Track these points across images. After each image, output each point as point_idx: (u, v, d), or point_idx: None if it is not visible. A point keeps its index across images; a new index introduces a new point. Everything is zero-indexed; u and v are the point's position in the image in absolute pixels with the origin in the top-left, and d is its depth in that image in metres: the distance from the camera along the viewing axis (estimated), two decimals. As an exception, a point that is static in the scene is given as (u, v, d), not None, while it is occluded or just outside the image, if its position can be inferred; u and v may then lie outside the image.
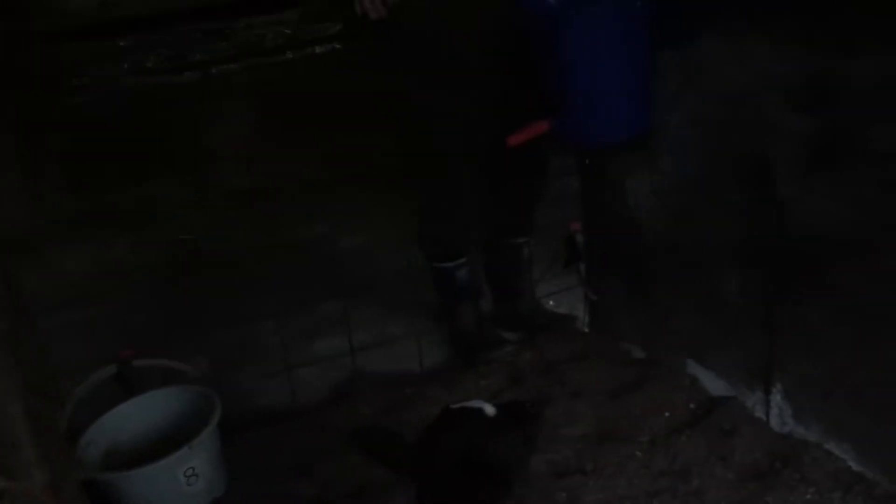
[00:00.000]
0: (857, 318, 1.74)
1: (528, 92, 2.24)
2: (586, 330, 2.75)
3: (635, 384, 2.32)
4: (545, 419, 1.80)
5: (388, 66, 2.31)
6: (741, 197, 2.01)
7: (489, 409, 1.64)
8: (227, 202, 2.96)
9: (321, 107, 3.18)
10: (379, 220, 2.86)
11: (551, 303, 2.83)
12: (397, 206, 2.60)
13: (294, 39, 4.95)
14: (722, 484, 1.90)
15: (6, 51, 2.62)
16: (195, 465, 1.99)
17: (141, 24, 3.31)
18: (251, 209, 2.90)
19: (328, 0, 5.24)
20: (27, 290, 1.56)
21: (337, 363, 2.59)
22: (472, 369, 2.49)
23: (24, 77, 2.83)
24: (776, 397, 2.03)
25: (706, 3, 1.99)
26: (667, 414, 2.18)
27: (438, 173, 2.39)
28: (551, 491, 1.94)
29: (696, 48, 2.06)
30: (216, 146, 3.05)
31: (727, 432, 2.06)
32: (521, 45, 2.18)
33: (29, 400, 1.16)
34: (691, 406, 2.20)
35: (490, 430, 1.62)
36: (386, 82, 2.42)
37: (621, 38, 2.07)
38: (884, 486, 1.79)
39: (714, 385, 2.24)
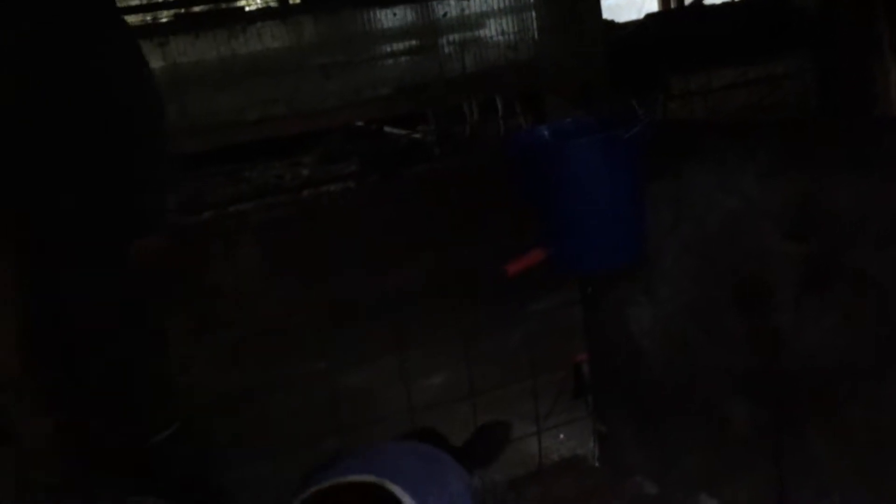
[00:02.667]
0: (861, 449, 1.66)
1: None
2: (596, 464, 2.64)
3: (647, 523, 2.21)
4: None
5: None
6: (739, 325, 1.97)
7: None
8: (229, 338, 2.95)
9: (332, 243, 3.21)
10: (384, 356, 2.82)
11: (561, 436, 2.74)
12: (398, 342, 2.58)
13: (310, 179, 5.11)
14: None
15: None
16: None
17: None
18: (254, 348, 2.89)
19: (343, 142, 5.47)
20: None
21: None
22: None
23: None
24: (791, 534, 1.92)
25: (690, 136, 2.02)
26: (680, 554, 2.07)
27: None
28: None
29: (686, 178, 2.07)
30: (222, 283, 3.07)
31: (743, 573, 1.95)
32: None
33: None
34: (706, 545, 2.09)
35: None
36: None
37: (612, 167, 2.09)
38: None
39: (729, 521, 2.12)
